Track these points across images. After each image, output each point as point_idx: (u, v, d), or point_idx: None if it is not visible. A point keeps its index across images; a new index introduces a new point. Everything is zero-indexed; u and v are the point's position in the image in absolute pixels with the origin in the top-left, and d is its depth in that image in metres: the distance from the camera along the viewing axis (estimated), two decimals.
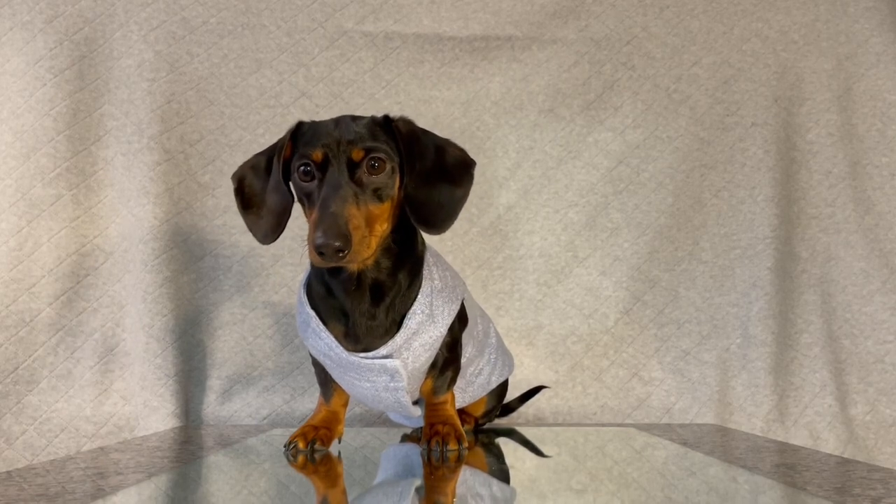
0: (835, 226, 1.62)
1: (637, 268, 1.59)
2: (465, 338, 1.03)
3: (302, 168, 0.85)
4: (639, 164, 1.62)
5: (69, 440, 1.44)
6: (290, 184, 0.89)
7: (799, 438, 1.52)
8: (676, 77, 1.65)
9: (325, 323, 0.92)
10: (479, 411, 1.22)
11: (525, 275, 1.58)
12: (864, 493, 0.72)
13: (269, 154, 0.92)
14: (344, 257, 0.78)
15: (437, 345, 0.94)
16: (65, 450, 1.43)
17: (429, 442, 0.96)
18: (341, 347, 0.91)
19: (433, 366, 0.97)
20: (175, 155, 1.54)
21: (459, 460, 0.91)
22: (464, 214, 1.40)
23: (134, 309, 1.48)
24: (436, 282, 0.95)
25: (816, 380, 1.56)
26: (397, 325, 0.91)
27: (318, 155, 0.83)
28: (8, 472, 0.85)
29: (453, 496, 0.73)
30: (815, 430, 1.53)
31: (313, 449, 0.97)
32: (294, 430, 1.02)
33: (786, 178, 1.63)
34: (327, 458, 0.95)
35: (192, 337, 1.51)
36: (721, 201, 1.62)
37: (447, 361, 0.98)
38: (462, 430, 0.99)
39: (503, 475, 0.88)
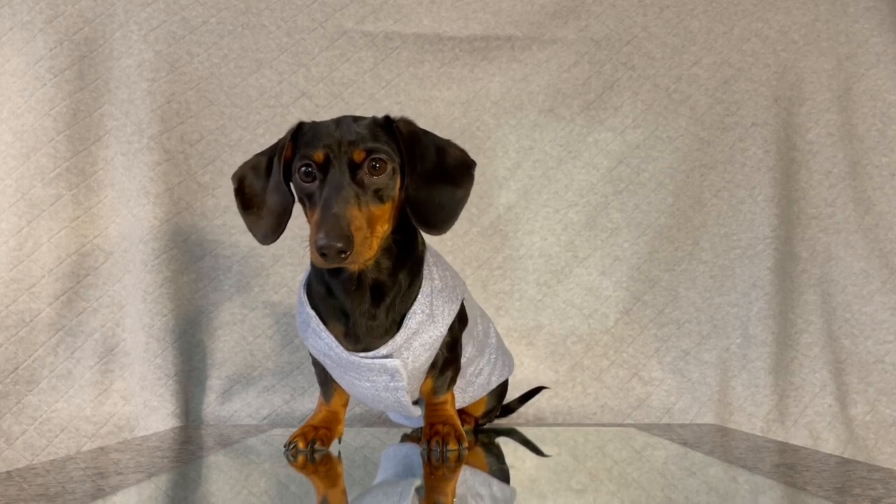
0: (835, 226, 1.62)
1: (637, 268, 1.59)
2: (465, 338, 1.04)
3: (303, 169, 0.85)
4: (639, 164, 1.62)
5: (69, 440, 1.44)
6: (291, 184, 0.89)
7: (799, 438, 1.52)
8: (676, 77, 1.65)
9: (325, 323, 0.92)
10: (479, 411, 1.22)
11: (525, 275, 1.58)
12: (864, 493, 0.72)
13: (270, 154, 0.92)
14: (346, 258, 0.78)
15: (437, 345, 0.94)
16: (65, 450, 1.43)
17: (429, 442, 0.96)
18: (341, 347, 0.91)
19: (433, 366, 0.97)
20: (175, 155, 1.54)
21: (459, 460, 0.91)
22: (464, 214, 1.40)
23: (134, 309, 1.48)
24: (436, 282, 0.95)
25: (816, 380, 1.56)
26: (397, 324, 0.91)
27: (319, 156, 0.83)
28: (8, 472, 0.85)
29: (453, 496, 0.73)
30: (815, 430, 1.53)
31: (313, 449, 0.97)
32: (294, 430, 1.03)
33: (786, 178, 1.63)
34: (327, 458, 0.95)
35: (192, 337, 1.51)
36: (721, 201, 1.62)
37: (447, 361, 0.98)
38: (462, 430, 0.99)
39: (503, 475, 0.88)
